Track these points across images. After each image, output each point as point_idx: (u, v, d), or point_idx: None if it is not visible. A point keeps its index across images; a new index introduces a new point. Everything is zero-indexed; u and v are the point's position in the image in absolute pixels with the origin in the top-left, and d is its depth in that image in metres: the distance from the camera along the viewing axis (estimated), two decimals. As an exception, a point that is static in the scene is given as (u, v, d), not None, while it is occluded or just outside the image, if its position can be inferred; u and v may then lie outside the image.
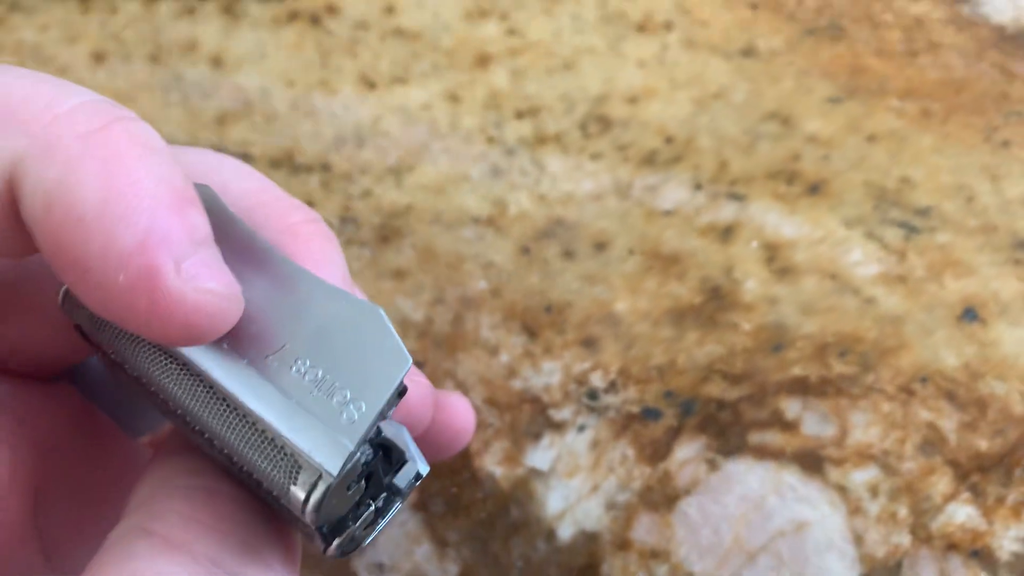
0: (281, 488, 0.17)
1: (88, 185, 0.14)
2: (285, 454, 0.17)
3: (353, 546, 0.19)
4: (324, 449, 0.17)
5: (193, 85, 0.33)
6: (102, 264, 0.14)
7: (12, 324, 0.19)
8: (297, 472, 0.17)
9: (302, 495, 0.17)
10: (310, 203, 0.32)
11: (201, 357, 0.18)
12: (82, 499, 0.21)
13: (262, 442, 0.17)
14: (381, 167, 0.32)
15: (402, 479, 0.19)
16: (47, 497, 0.20)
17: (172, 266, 0.15)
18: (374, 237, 0.31)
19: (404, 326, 0.30)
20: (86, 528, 0.21)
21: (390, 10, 0.34)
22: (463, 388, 0.30)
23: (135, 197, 0.14)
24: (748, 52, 0.32)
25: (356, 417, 0.17)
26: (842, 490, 0.28)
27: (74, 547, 0.21)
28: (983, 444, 0.28)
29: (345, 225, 0.31)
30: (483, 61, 0.33)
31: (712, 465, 0.29)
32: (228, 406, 0.18)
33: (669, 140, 0.31)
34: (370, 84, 0.33)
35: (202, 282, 0.15)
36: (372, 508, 0.18)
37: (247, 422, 0.18)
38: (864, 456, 0.28)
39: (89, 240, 0.14)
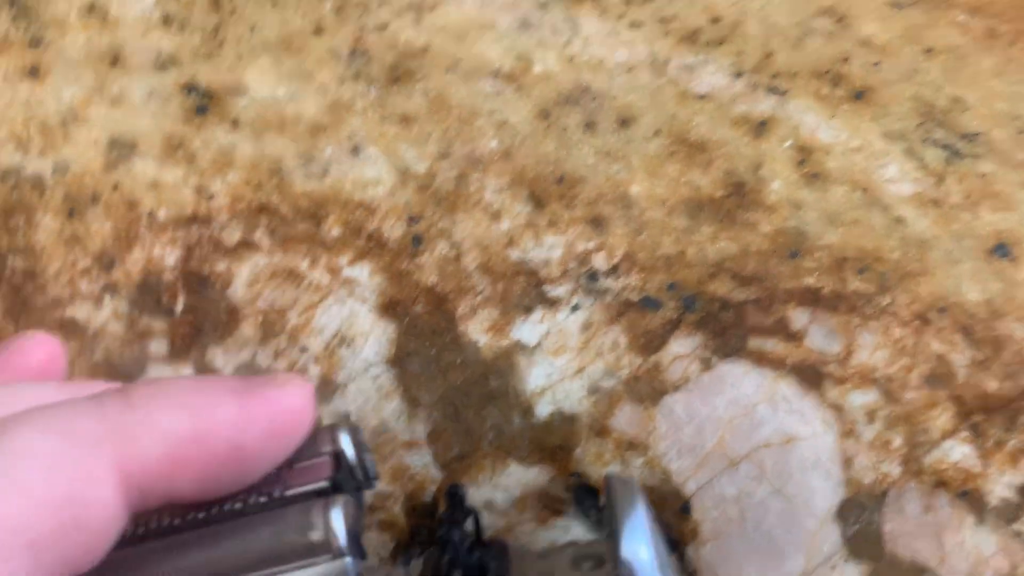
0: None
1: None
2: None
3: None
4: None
5: None
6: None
7: None
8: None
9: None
10: (319, 30, 0.29)
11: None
12: None
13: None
14: (402, 1, 0.29)
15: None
16: None
17: None
18: (384, 76, 0.29)
19: (404, 176, 0.28)
20: None
21: None
22: (457, 250, 0.28)
23: None
24: (813, -60, 0.30)
25: None
26: (838, 410, 0.26)
27: None
28: (992, 385, 0.26)
29: (355, 58, 0.29)
30: (529, -93, 0.30)
31: (706, 364, 0.27)
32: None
33: (715, 20, 0.29)
34: (405, -86, 0.30)
35: None
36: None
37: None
38: (867, 379, 0.26)
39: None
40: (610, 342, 0.27)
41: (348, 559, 0.17)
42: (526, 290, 0.27)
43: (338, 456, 0.19)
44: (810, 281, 0.27)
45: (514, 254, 0.28)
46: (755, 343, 0.27)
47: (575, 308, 0.27)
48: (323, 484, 0.19)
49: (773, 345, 0.27)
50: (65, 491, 0.16)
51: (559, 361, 0.27)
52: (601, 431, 0.27)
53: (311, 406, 0.19)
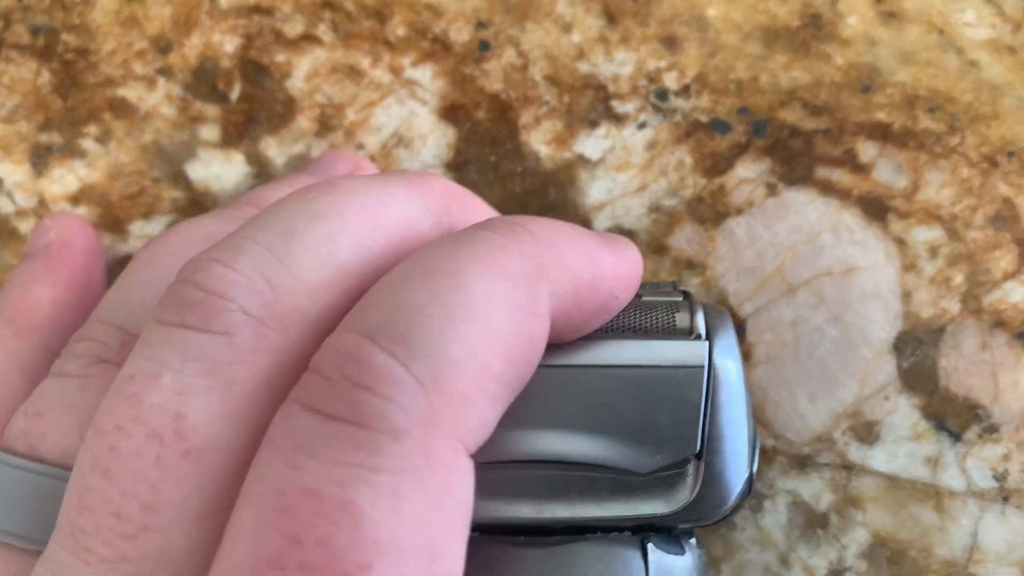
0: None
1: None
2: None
3: None
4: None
5: None
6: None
7: None
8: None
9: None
10: None
11: None
12: None
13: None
14: None
15: None
16: None
17: None
18: None
19: (475, -17, 0.27)
20: None
21: None
22: (525, 59, 0.27)
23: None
24: None
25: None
26: (901, 243, 0.25)
27: None
28: (1056, 231, 0.25)
29: None
30: None
31: (772, 190, 0.26)
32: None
33: None
34: None
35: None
36: None
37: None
38: (931, 215, 0.26)
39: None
40: (675, 162, 0.26)
41: (707, 342, 0.18)
42: (593, 104, 0.27)
43: (686, 292, 0.21)
44: (881, 116, 0.26)
45: (583, 67, 0.27)
46: (822, 172, 0.26)
47: (642, 125, 0.26)
48: (678, 298, 0.20)
49: (840, 176, 0.26)
50: (528, 333, 0.16)
51: (621, 177, 0.26)
52: (659, 248, 0.26)
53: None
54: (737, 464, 0.18)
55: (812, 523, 0.24)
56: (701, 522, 0.18)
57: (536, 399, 0.18)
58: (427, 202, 0.18)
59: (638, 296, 0.20)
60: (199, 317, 0.15)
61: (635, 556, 0.17)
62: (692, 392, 0.18)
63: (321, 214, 0.16)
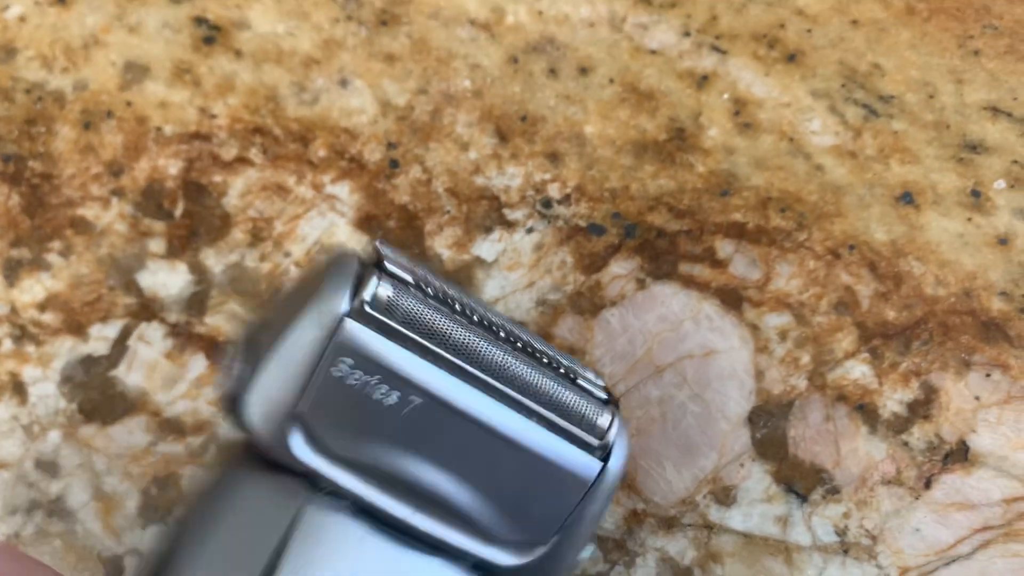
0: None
1: None
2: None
3: None
4: None
5: None
6: None
7: None
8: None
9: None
10: (321, -22, 0.32)
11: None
12: None
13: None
14: (394, -42, 0.32)
15: None
16: None
17: None
18: (374, 19, 0.32)
19: (385, 108, 0.31)
20: None
21: None
22: (429, 174, 0.31)
23: None
24: (760, -79, 0.33)
25: None
26: (755, 329, 0.29)
27: None
28: (891, 314, 0.29)
29: (348, 1, 0.32)
30: None
31: (641, 284, 0.30)
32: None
33: (668, -14, 0.32)
34: None
35: None
36: None
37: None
38: (781, 303, 0.29)
39: None
40: (558, 261, 0.30)
41: (602, 464, 0.21)
42: (488, 212, 0.30)
43: (613, 399, 0.23)
44: (737, 216, 0.30)
45: (479, 180, 0.31)
46: (685, 268, 0.30)
47: (530, 230, 0.30)
48: (604, 396, 0.22)
49: (700, 270, 0.30)
50: None
51: (513, 276, 0.30)
52: (546, 337, 0.30)
53: None
54: (577, 548, 0.22)
55: (678, 577, 0.28)
56: None
57: (440, 439, 0.20)
58: None
59: (575, 375, 0.22)
60: None
61: None
62: (571, 498, 0.21)
63: None
